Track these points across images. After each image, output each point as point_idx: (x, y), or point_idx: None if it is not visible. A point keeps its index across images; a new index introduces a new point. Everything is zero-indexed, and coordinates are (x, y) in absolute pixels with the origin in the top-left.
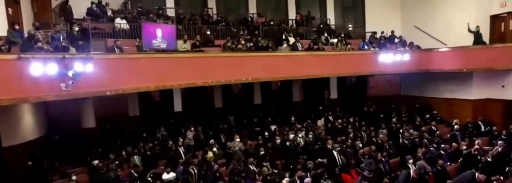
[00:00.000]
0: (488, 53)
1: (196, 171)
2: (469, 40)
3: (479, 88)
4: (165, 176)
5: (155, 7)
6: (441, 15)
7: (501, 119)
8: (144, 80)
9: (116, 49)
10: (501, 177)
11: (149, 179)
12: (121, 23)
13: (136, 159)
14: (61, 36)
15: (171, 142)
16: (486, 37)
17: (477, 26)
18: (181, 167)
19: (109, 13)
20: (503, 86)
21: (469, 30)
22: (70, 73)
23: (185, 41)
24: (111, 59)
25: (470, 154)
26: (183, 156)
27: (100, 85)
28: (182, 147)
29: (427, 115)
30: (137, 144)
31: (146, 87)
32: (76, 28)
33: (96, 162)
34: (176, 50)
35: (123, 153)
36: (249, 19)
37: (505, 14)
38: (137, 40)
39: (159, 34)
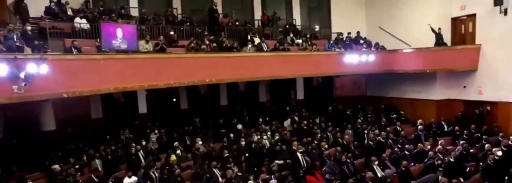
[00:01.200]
0: (450, 54)
1: (157, 175)
2: (432, 41)
3: (442, 88)
4: (126, 180)
5: (118, 7)
6: (404, 17)
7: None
8: (104, 82)
9: (73, 50)
10: (462, 179)
11: None
12: (81, 22)
13: (97, 163)
14: (15, 36)
15: (134, 145)
16: (447, 39)
17: (439, 28)
18: (142, 171)
19: (69, 12)
20: (464, 87)
21: (432, 30)
22: (22, 75)
23: (147, 42)
24: (68, 60)
25: (433, 164)
26: (142, 160)
27: (56, 87)
28: (141, 151)
29: (393, 116)
30: (99, 147)
31: (106, 89)
32: (28, 28)
33: (55, 166)
34: (137, 51)
35: (84, 157)
36: (214, 7)
37: (465, 17)
38: (97, 40)
39: (119, 34)
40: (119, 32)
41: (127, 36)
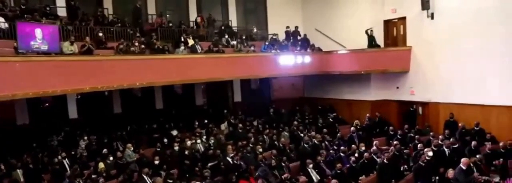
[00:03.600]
0: (383, 56)
1: None
2: (366, 43)
3: (377, 89)
4: None
5: (42, 5)
6: (339, 19)
7: (397, 119)
8: (22, 86)
9: None
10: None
11: None
12: None
13: (19, 173)
14: None
15: (61, 153)
16: (381, 41)
17: (371, 30)
18: (67, 181)
19: None
20: (397, 88)
21: (366, 33)
22: None
23: (72, 43)
24: None
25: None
26: (68, 169)
27: None
28: (66, 159)
29: (330, 117)
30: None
31: (24, 93)
32: None
33: None
34: (61, 53)
35: (2, 167)
36: (138, 5)
37: (396, 20)
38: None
39: (38, 35)
40: (38, 32)
41: (47, 36)
